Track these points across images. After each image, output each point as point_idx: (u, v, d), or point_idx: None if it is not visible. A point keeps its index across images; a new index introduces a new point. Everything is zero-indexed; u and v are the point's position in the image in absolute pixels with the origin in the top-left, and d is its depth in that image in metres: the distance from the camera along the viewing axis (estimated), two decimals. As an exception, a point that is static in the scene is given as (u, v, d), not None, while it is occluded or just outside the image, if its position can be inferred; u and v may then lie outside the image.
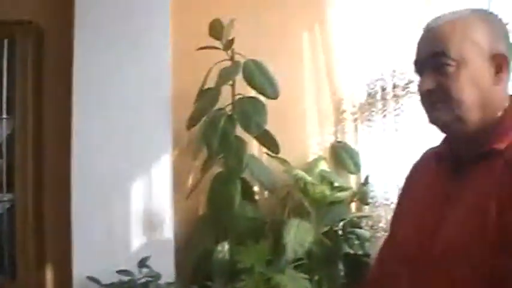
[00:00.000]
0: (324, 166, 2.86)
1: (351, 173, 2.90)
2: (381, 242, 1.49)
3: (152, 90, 2.73)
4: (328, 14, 3.06)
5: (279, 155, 2.68)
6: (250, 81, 2.53)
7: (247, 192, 2.68)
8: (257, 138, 2.66)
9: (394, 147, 2.37)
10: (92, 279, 2.49)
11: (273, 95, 2.53)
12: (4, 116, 2.73)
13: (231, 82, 2.64)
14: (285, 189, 2.77)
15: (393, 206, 1.74)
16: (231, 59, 2.67)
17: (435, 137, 1.31)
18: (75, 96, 2.67)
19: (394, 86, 2.40)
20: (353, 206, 2.93)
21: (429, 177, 1.29)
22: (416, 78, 1.23)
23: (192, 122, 2.61)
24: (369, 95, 2.72)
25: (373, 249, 2.43)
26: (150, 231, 2.71)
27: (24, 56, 2.70)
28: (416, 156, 1.43)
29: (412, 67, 1.23)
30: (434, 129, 1.21)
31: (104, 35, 2.71)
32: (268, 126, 2.54)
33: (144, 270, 2.52)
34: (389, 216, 1.86)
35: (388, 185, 2.46)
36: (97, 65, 2.69)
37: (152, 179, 2.72)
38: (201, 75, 2.62)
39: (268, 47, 2.89)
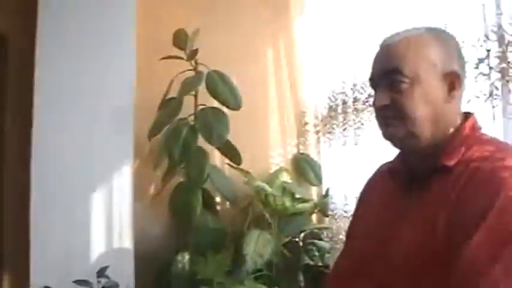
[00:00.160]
0: (285, 177, 2.89)
1: (313, 184, 2.93)
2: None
3: (115, 99, 2.71)
4: (292, 28, 3.10)
5: (241, 166, 2.69)
6: (213, 92, 2.54)
7: (208, 203, 2.67)
8: (219, 149, 2.66)
9: (354, 160, 2.40)
10: (49, 289, 2.45)
11: (236, 106, 2.54)
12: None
13: (193, 92, 2.64)
14: (246, 200, 2.78)
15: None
16: (195, 69, 2.67)
17: (394, 151, 1.33)
18: (37, 104, 2.62)
19: (355, 100, 2.43)
20: (314, 217, 2.95)
21: (383, 191, 1.31)
22: (376, 93, 1.25)
23: (153, 131, 2.60)
24: (331, 108, 2.75)
25: (333, 261, 2.45)
26: (110, 241, 2.68)
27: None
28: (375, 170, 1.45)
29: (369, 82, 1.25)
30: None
31: (68, 43, 2.67)
32: (231, 137, 2.55)
33: (103, 280, 2.48)
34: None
35: (347, 198, 2.48)
36: (60, 74, 2.65)
37: (113, 188, 2.69)
38: (165, 85, 2.62)
39: (232, 58, 2.91)
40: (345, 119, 2.54)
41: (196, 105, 2.67)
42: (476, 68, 1.65)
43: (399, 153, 1.29)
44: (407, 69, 1.14)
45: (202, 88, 2.58)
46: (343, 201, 2.54)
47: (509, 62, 1.54)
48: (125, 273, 2.59)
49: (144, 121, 2.65)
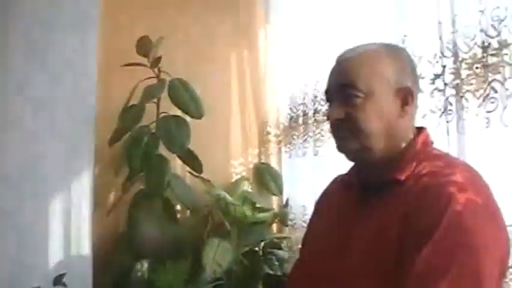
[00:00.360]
0: (246, 187, 2.89)
1: (273, 194, 2.95)
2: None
3: (76, 105, 2.68)
4: (255, 38, 3.12)
5: (202, 175, 2.68)
6: (175, 100, 2.53)
7: (168, 211, 2.65)
8: (180, 157, 2.65)
9: (314, 170, 2.43)
10: (2, 296, 2.41)
11: (198, 114, 2.53)
12: None
13: (155, 100, 2.63)
14: (207, 209, 2.77)
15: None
16: (157, 76, 2.66)
17: (351, 162, 1.35)
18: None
19: (315, 111, 2.47)
20: (274, 227, 2.97)
21: (338, 203, 1.33)
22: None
23: (114, 138, 2.58)
24: (292, 118, 2.78)
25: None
26: (67, 248, 2.64)
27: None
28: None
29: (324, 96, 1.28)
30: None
31: (28, 49, 2.64)
32: (192, 146, 2.55)
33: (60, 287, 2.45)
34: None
35: (307, 208, 2.51)
36: (19, 79, 2.61)
37: (72, 194, 2.65)
38: (127, 92, 2.60)
39: (195, 67, 2.92)
40: (305, 130, 2.57)
41: (158, 113, 2.66)
42: (432, 83, 1.70)
43: (353, 166, 1.32)
44: (361, 84, 1.16)
45: (164, 96, 2.57)
46: (302, 211, 2.57)
47: (462, 79, 1.58)
48: (83, 281, 2.56)
49: (106, 128, 2.63)
